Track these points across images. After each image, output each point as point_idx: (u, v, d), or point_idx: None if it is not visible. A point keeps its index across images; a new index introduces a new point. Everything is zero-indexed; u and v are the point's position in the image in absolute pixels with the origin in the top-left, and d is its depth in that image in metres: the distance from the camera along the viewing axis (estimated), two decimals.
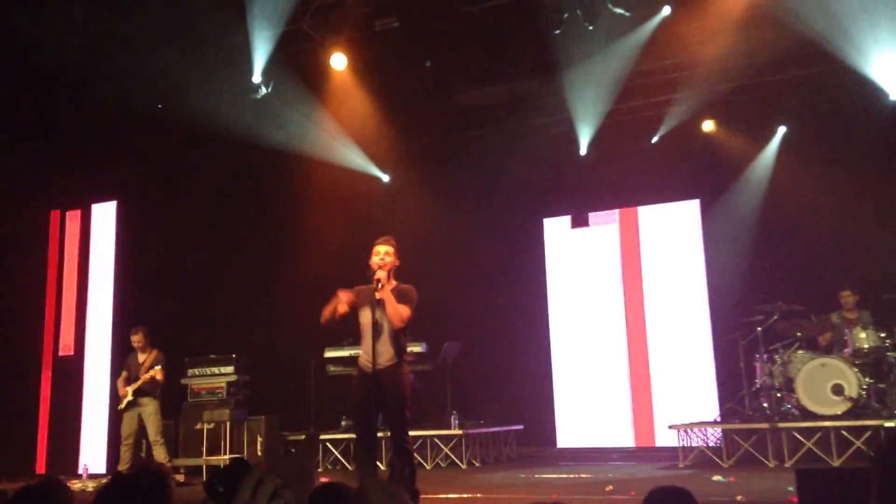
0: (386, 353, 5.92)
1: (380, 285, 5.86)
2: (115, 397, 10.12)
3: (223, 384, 10.42)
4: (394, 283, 6.03)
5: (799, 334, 9.28)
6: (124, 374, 9.37)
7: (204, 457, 9.83)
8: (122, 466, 9.12)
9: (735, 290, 10.47)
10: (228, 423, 9.91)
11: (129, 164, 10.96)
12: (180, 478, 9.45)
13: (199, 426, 9.98)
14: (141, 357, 9.30)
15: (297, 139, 11.32)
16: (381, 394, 5.87)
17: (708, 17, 9.16)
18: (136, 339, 9.33)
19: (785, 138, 11.11)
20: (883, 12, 8.87)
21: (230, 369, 10.45)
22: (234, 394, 10.37)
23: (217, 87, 10.30)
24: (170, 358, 9.60)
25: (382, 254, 5.97)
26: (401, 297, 5.93)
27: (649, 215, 11.75)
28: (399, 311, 5.87)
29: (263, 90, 10.18)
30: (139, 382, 9.11)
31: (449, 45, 10.08)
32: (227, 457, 9.72)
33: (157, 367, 9.10)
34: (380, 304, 5.91)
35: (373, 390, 5.85)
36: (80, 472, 10.44)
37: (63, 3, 8.99)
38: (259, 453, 10.21)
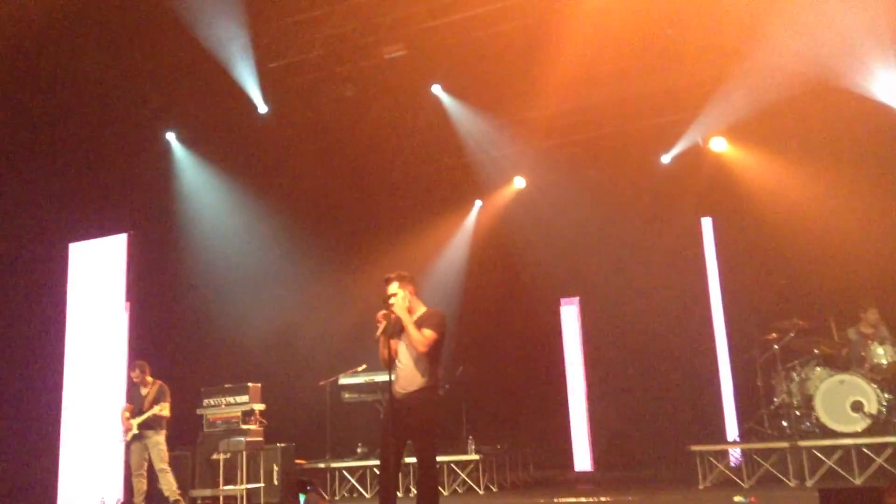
0: (414, 379, 5.95)
1: (391, 303, 5.92)
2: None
3: (238, 413, 10.41)
4: (423, 308, 6.09)
5: (816, 351, 9.20)
6: (129, 406, 9.41)
7: (220, 487, 9.80)
8: (138, 498, 9.14)
9: (750, 309, 10.42)
10: (244, 453, 9.89)
11: (139, 196, 11.06)
12: None
13: (215, 456, 9.95)
14: (143, 390, 9.35)
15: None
16: (408, 420, 5.91)
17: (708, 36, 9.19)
18: (135, 375, 9.40)
19: (797, 154, 11.09)
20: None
21: (245, 398, 10.44)
22: (249, 423, 10.37)
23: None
24: (184, 388, 9.63)
25: (390, 295, 6.02)
26: (424, 321, 5.97)
27: (663, 233, 11.71)
28: (419, 335, 5.89)
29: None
30: (144, 417, 9.15)
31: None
32: (243, 486, 9.70)
33: (165, 404, 9.15)
34: (405, 330, 5.99)
35: (400, 416, 5.90)
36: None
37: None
38: (276, 482, 10.17)
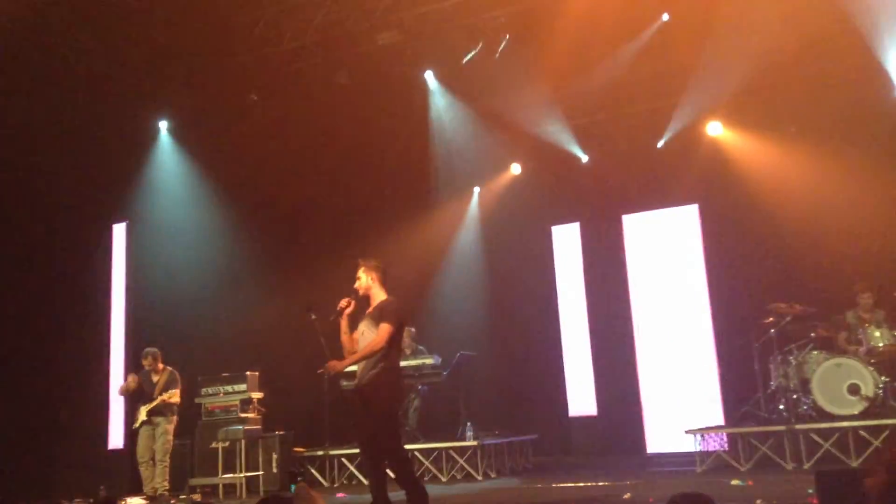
0: (371, 368, 5.95)
1: (340, 312, 6.10)
2: (128, 416, 10.18)
3: (237, 402, 10.45)
4: (381, 297, 6.12)
5: (813, 335, 9.23)
6: (132, 377, 9.40)
7: (220, 475, 9.82)
8: (146, 487, 9.13)
9: (743, 292, 10.43)
10: (243, 441, 9.91)
11: (139, 185, 11.02)
12: (196, 497, 9.44)
13: (213, 445, 9.97)
14: (154, 377, 9.32)
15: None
16: (366, 410, 5.92)
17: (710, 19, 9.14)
18: (147, 363, 9.36)
19: (791, 137, 11.07)
20: None
21: (243, 387, 10.49)
22: (247, 411, 10.39)
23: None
24: (182, 377, 9.61)
25: (355, 279, 6.18)
26: (382, 314, 6.00)
27: (650, 221, 11.71)
28: (376, 338, 5.92)
29: None
30: (154, 403, 9.14)
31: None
32: (242, 475, 9.72)
33: (174, 391, 9.14)
34: (367, 318, 6.08)
35: (359, 409, 5.97)
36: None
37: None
38: (275, 470, 10.20)
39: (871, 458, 8.09)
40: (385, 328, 5.91)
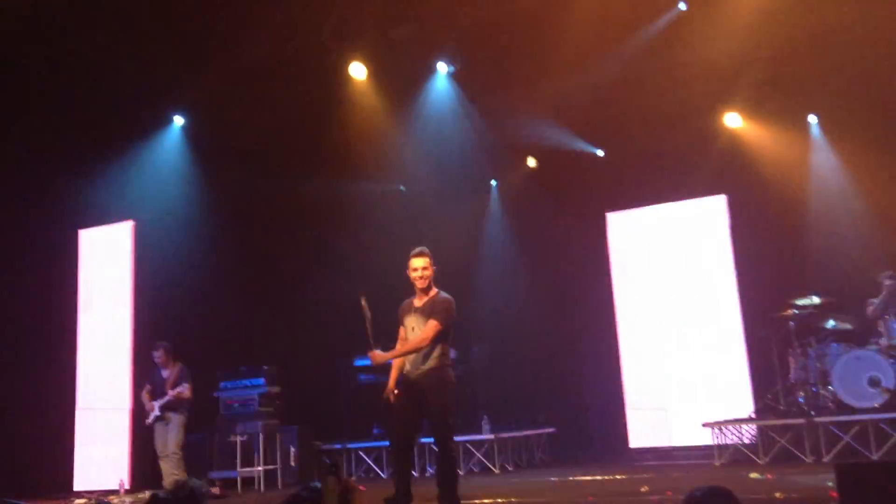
0: (425, 360, 6.03)
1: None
2: (137, 412, 10.26)
3: (255, 396, 10.50)
4: (434, 291, 6.18)
5: (833, 327, 9.14)
6: (148, 387, 9.46)
7: (238, 468, 9.88)
8: (167, 481, 9.20)
9: (766, 285, 10.35)
10: (261, 435, 9.96)
11: (146, 181, 11.08)
12: (216, 490, 9.51)
13: (232, 438, 10.04)
14: (165, 372, 9.39)
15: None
16: (422, 400, 5.99)
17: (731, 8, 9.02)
18: (158, 356, 9.41)
19: (815, 127, 10.97)
20: None
21: (261, 381, 10.54)
22: (265, 405, 10.45)
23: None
24: (200, 372, 9.66)
25: (420, 269, 6.12)
26: (432, 311, 6.05)
27: (676, 213, 11.65)
28: (424, 334, 5.99)
29: None
30: (166, 399, 9.20)
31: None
32: (261, 468, 9.77)
33: (186, 386, 9.18)
34: (416, 312, 6.11)
35: (414, 396, 6.00)
36: (117, 487, 10.50)
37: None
38: (293, 463, 10.25)
39: (894, 451, 8.03)
40: (434, 325, 5.98)
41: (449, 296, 6.17)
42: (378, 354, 6.07)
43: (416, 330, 6.07)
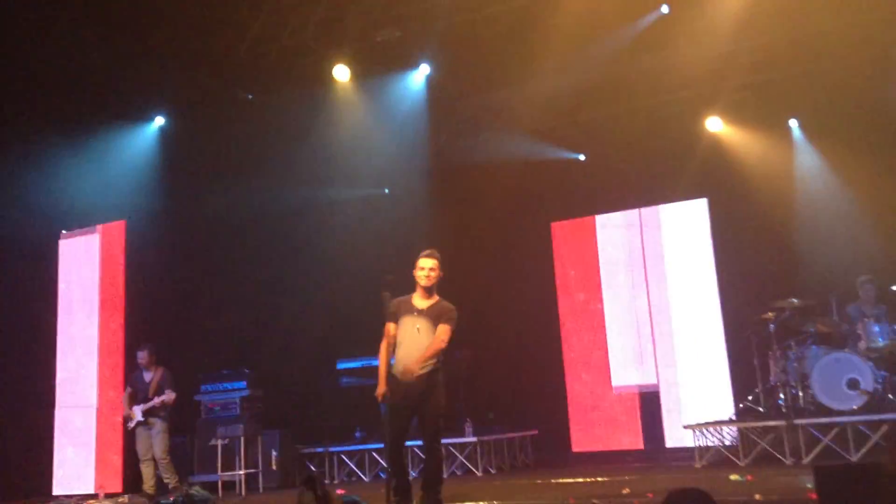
0: (421, 364, 6.09)
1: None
2: (103, 413, 10.23)
3: (236, 399, 10.46)
4: (436, 297, 6.28)
5: (812, 330, 9.21)
6: (129, 391, 9.40)
7: (219, 472, 9.83)
8: (148, 484, 9.17)
9: (747, 288, 10.43)
10: (243, 439, 9.92)
11: (135, 183, 11.00)
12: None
13: (213, 442, 9.98)
14: (147, 376, 9.33)
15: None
16: (418, 401, 6.08)
17: (711, 12, 9.07)
18: (143, 356, 9.36)
19: (795, 132, 11.06)
20: None
21: (243, 384, 10.49)
22: (247, 409, 10.42)
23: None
24: (182, 375, 9.63)
25: (427, 269, 6.22)
26: (440, 315, 6.15)
27: (657, 216, 11.71)
28: (441, 336, 6.12)
29: None
30: (150, 405, 9.14)
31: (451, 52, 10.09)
32: (242, 472, 9.72)
33: (172, 393, 9.14)
34: (420, 314, 6.17)
35: (409, 397, 6.08)
36: (95, 491, 10.44)
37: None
38: (274, 467, 10.21)
39: (872, 453, 8.09)
40: (447, 330, 6.11)
41: (454, 305, 6.28)
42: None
43: (422, 331, 6.12)
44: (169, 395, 9.12)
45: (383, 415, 6.20)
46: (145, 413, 9.17)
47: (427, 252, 6.27)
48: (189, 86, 10.02)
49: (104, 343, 11.36)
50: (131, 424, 9.28)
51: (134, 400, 9.30)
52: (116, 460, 10.86)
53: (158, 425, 9.21)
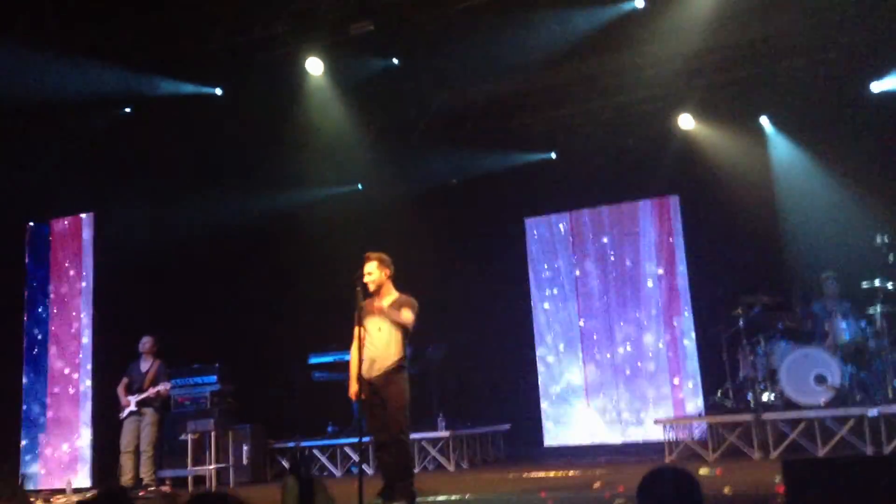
0: (386, 359, 6.27)
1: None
2: (99, 409, 10.12)
3: (207, 394, 10.39)
4: (395, 294, 6.41)
5: (781, 326, 9.32)
6: (125, 381, 9.38)
7: (189, 467, 9.75)
8: (126, 477, 9.11)
9: (717, 284, 10.52)
10: (213, 433, 9.84)
11: (106, 175, 10.86)
12: (166, 489, 9.38)
13: (183, 437, 9.90)
14: (144, 366, 9.34)
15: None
16: (380, 397, 6.22)
17: (682, 10, 9.11)
18: (147, 342, 9.49)
19: (765, 130, 11.17)
20: None
21: (213, 379, 10.43)
22: (217, 403, 10.35)
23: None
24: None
25: (366, 273, 6.35)
26: (400, 308, 6.30)
27: (630, 212, 11.77)
28: (402, 317, 6.24)
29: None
30: (144, 395, 9.15)
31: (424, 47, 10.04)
32: (212, 467, 9.65)
33: (167, 385, 9.17)
34: (382, 314, 6.30)
35: (376, 392, 6.23)
36: (63, 486, 10.30)
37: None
38: (245, 461, 10.15)
39: (838, 448, 8.21)
40: (408, 311, 6.26)
41: (412, 296, 6.38)
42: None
43: (382, 330, 6.27)
44: (164, 387, 9.17)
45: (356, 414, 6.30)
46: (139, 403, 9.18)
47: (365, 255, 6.40)
48: (157, 78, 9.87)
49: (65, 336, 11.21)
50: (123, 415, 9.27)
51: (129, 390, 9.31)
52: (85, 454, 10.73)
53: (150, 416, 9.27)
